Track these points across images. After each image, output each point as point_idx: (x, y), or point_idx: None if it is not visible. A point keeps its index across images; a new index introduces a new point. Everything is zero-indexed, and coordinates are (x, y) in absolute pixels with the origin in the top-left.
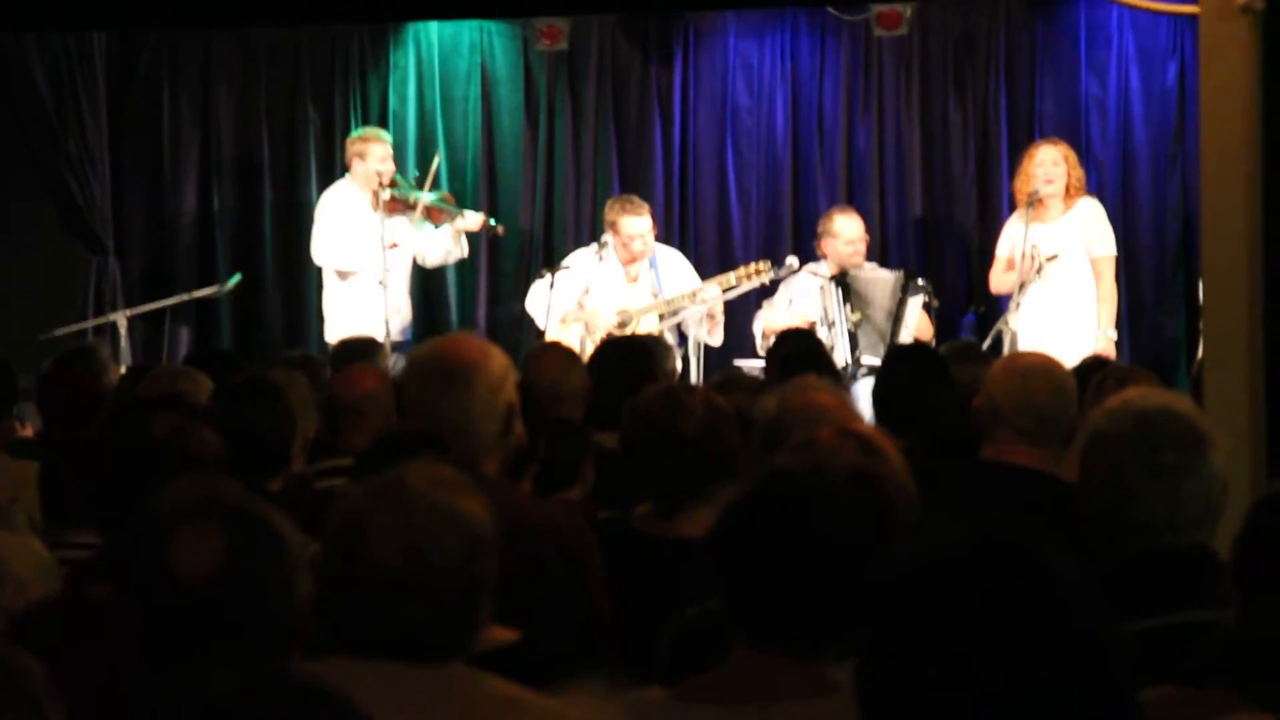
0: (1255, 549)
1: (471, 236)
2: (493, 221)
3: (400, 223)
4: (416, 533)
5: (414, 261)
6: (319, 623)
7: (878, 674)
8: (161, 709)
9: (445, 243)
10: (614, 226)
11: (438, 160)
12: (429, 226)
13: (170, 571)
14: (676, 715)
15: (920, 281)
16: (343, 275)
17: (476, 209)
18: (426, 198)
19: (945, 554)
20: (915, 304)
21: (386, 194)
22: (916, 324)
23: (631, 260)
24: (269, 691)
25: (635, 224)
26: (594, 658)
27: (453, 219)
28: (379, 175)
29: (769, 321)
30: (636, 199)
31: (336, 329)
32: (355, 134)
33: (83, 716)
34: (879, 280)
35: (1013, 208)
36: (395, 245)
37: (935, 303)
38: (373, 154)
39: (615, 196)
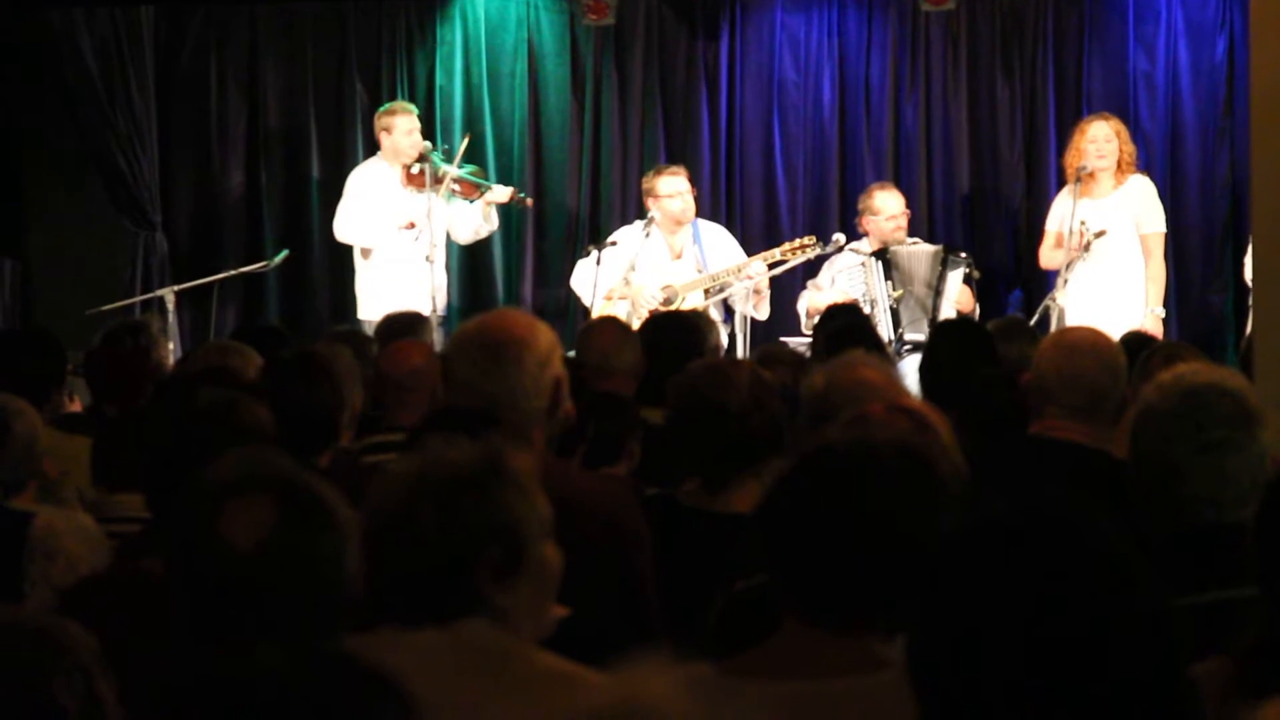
0: (1272, 531)
1: (512, 211)
2: (522, 194)
3: (424, 199)
4: (425, 489)
5: (448, 238)
6: (369, 594)
7: (928, 646)
8: (203, 683)
9: (475, 218)
10: (651, 193)
11: (467, 141)
12: (458, 201)
13: (219, 544)
14: (724, 690)
15: (962, 254)
16: (365, 254)
17: (523, 184)
18: (455, 171)
19: (993, 525)
20: (955, 277)
21: (416, 168)
22: (958, 296)
23: (676, 225)
24: (311, 666)
25: (670, 183)
26: (640, 635)
27: (482, 193)
28: (407, 149)
29: (813, 301)
30: (670, 165)
31: (368, 308)
32: (381, 109)
33: (133, 688)
34: (918, 254)
35: (1061, 184)
36: (412, 225)
37: (976, 274)
38: (398, 127)
39: None
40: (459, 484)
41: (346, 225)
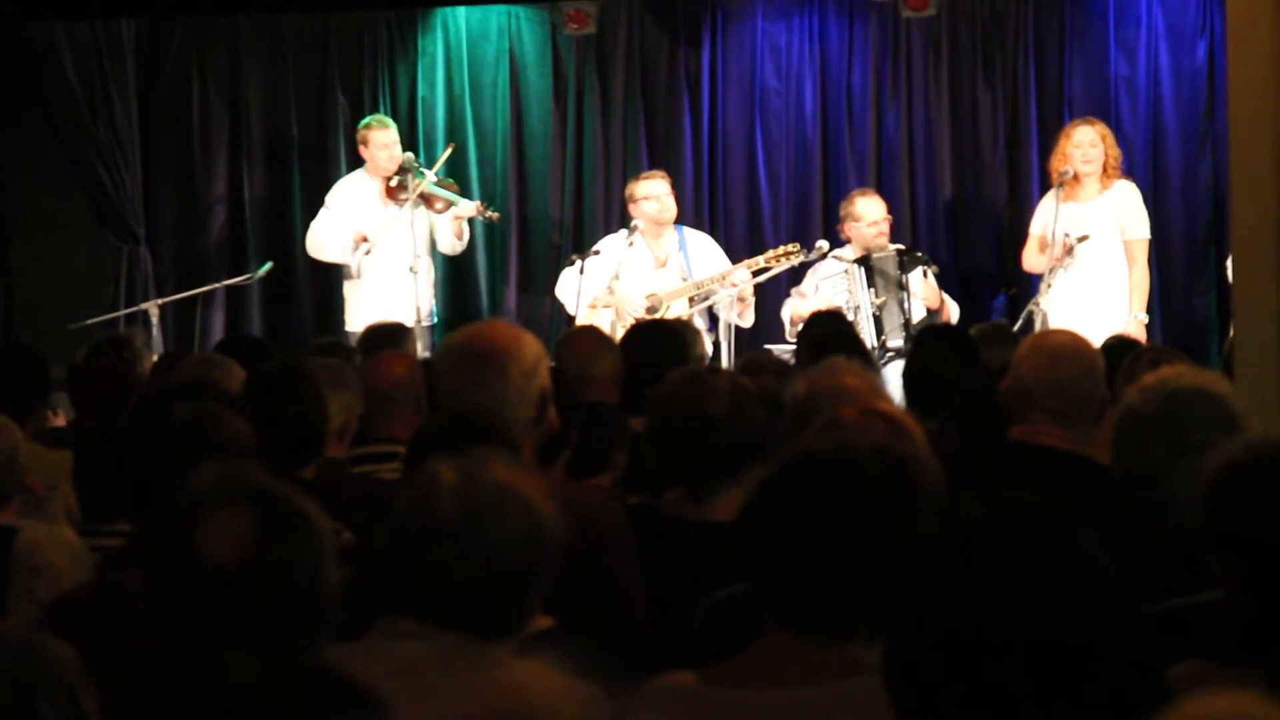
0: (1219, 524)
1: (491, 225)
2: (489, 209)
3: (404, 212)
4: (482, 501)
5: (433, 248)
6: (382, 583)
7: (902, 651)
8: (182, 695)
9: (447, 232)
10: (632, 198)
11: (449, 151)
12: (425, 211)
13: (196, 557)
14: (707, 698)
15: (918, 253)
16: (347, 267)
17: (505, 194)
18: (424, 185)
19: (969, 530)
20: (916, 276)
21: (395, 181)
22: (924, 294)
23: (657, 228)
24: (289, 677)
25: (646, 187)
26: (625, 645)
27: (448, 206)
28: (384, 163)
29: (797, 308)
30: (651, 170)
31: (355, 320)
32: (360, 123)
33: (115, 702)
34: (884, 259)
35: (1044, 189)
36: (364, 239)
37: (934, 269)
38: (374, 141)
39: None
40: (525, 502)
41: (312, 240)
